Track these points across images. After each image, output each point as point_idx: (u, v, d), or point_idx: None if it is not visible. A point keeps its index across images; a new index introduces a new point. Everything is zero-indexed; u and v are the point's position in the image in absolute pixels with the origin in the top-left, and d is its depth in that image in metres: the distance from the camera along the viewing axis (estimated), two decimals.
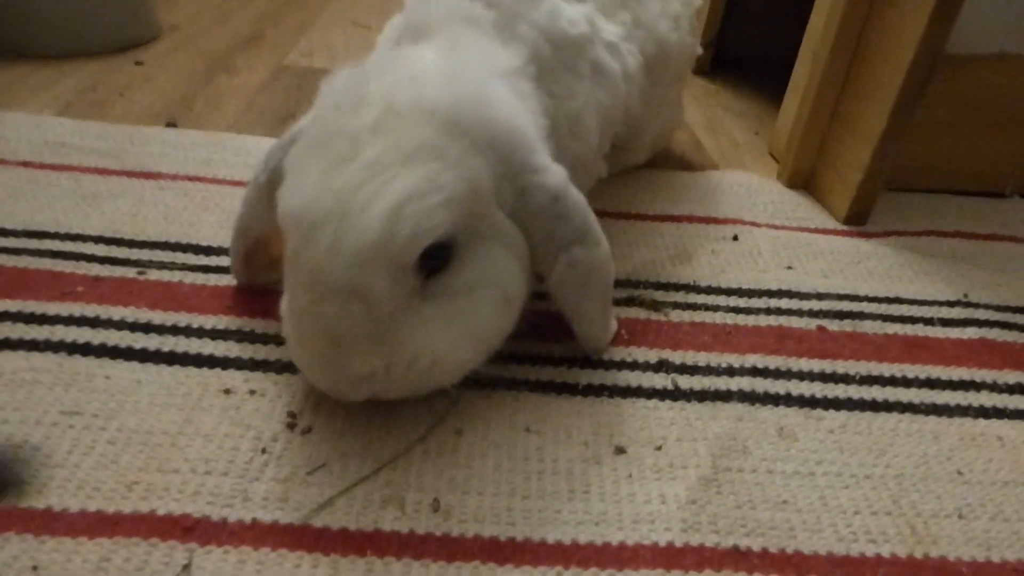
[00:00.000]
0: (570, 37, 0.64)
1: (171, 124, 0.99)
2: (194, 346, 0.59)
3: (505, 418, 0.55)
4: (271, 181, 0.57)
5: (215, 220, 0.76)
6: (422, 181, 0.46)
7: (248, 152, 0.92)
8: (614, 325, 0.64)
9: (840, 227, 0.88)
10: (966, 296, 0.76)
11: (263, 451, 0.50)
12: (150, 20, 1.34)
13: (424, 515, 0.47)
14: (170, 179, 0.84)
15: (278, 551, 0.44)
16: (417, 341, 0.48)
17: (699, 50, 0.94)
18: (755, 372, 0.62)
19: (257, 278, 0.66)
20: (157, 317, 0.61)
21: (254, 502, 0.46)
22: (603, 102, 0.68)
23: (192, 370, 0.57)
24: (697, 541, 0.47)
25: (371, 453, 0.51)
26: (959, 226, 0.90)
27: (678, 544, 0.47)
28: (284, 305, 0.52)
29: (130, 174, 0.84)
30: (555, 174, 0.54)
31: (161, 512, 0.45)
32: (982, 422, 0.59)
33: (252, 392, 0.55)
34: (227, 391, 0.55)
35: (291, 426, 0.53)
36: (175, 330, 0.60)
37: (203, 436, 0.51)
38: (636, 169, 0.96)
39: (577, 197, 0.55)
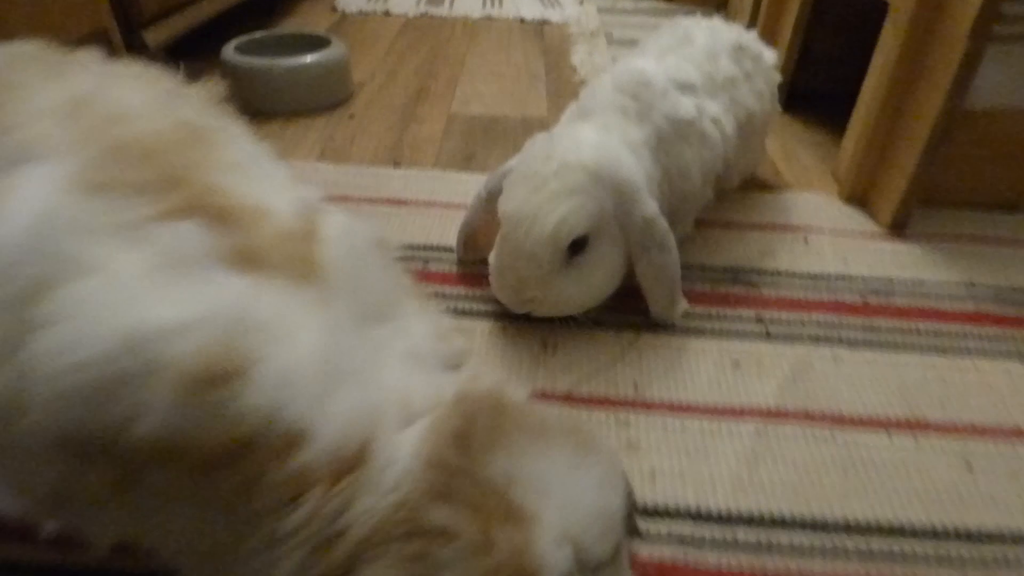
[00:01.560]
0: (684, 119, 1.01)
1: (397, 164, 1.41)
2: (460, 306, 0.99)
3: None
4: (489, 195, 0.98)
5: (452, 230, 1.17)
6: (575, 204, 0.86)
7: (454, 182, 1.33)
8: (684, 305, 0.99)
9: (884, 232, 1.22)
10: (971, 281, 1.09)
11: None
12: (348, 82, 1.78)
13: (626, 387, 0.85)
14: (413, 205, 1.25)
15: None
16: (559, 288, 0.89)
17: (779, 108, 1.29)
18: (819, 324, 0.98)
19: (470, 256, 1.06)
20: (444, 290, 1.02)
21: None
22: (706, 158, 1.05)
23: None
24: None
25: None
26: (973, 231, 1.22)
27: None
28: (492, 260, 0.94)
29: (388, 201, 1.26)
30: (650, 207, 0.89)
31: None
32: (967, 359, 0.94)
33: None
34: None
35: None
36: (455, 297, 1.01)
37: None
38: (730, 191, 1.32)
39: (660, 222, 0.90)
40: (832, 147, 1.52)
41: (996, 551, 0.69)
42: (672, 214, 1.01)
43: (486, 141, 1.55)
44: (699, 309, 1.00)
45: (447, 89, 1.86)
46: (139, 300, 0.41)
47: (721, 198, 1.30)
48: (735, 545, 0.69)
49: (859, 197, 1.31)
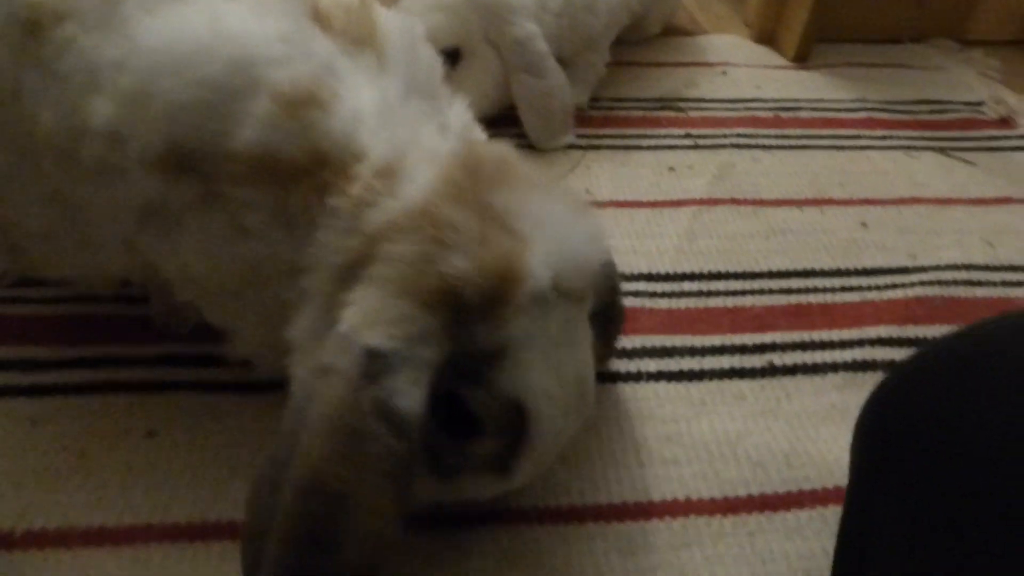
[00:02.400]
0: None
1: None
2: None
3: None
4: None
5: None
6: (439, 19, 0.89)
7: None
8: (567, 137, 1.04)
9: (790, 64, 1.36)
10: (863, 97, 1.25)
11: None
12: None
13: None
14: None
15: None
16: None
17: None
18: (738, 136, 1.12)
19: None
20: None
21: None
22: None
23: None
24: None
25: None
26: (864, 60, 1.38)
27: None
28: None
29: None
30: (524, 29, 0.94)
31: None
32: (861, 152, 1.10)
33: None
34: None
35: None
36: None
37: None
38: (653, 38, 1.43)
39: (534, 45, 0.95)
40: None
41: (888, 279, 0.86)
42: (573, 47, 1.07)
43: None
44: (635, 131, 1.12)
45: None
46: (246, 31, 0.49)
47: (646, 42, 1.40)
48: (682, 294, 0.83)
49: (767, 37, 1.44)
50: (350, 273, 0.47)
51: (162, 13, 0.50)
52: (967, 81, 1.30)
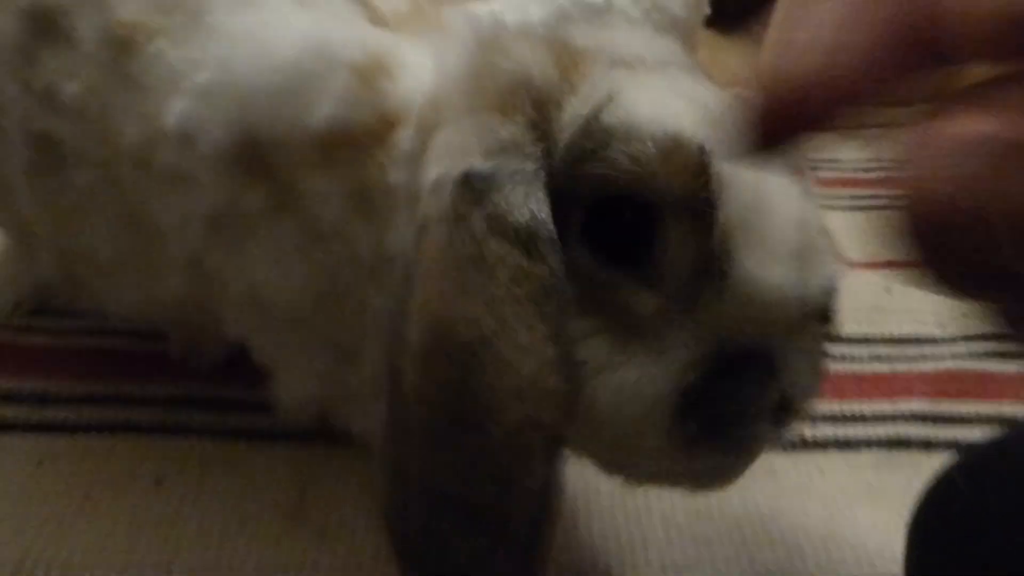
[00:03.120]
0: None
1: None
2: None
3: None
4: None
5: None
6: None
7: None
8: None
9: None
10: (879, 158, 1.24)
11: None
12: None
13: None
14: None
15: None
16: None
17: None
18: None
19: None
20: None
21: None
22: None
23: None
24: None
25: None
26: (877, 120, 1.38)
27: None
28: None
29: None
30: None
31: None
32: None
33: None
34: None
35: None
36: None
37: None
38: None
39: None
40: (754, 55, 1.65)
41: (917, 350, 0.84)
42: None
43: None
44: None
45: None
46: (320, 23, 0.49)
47: None
48: None
49: None
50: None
51: (242, 15, 0.50)
52: None
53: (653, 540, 0.61)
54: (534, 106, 0.37)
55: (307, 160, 0.47)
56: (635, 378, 0.35)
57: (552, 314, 0.34)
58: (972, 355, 0.84)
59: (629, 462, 0.40)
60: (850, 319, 0.88)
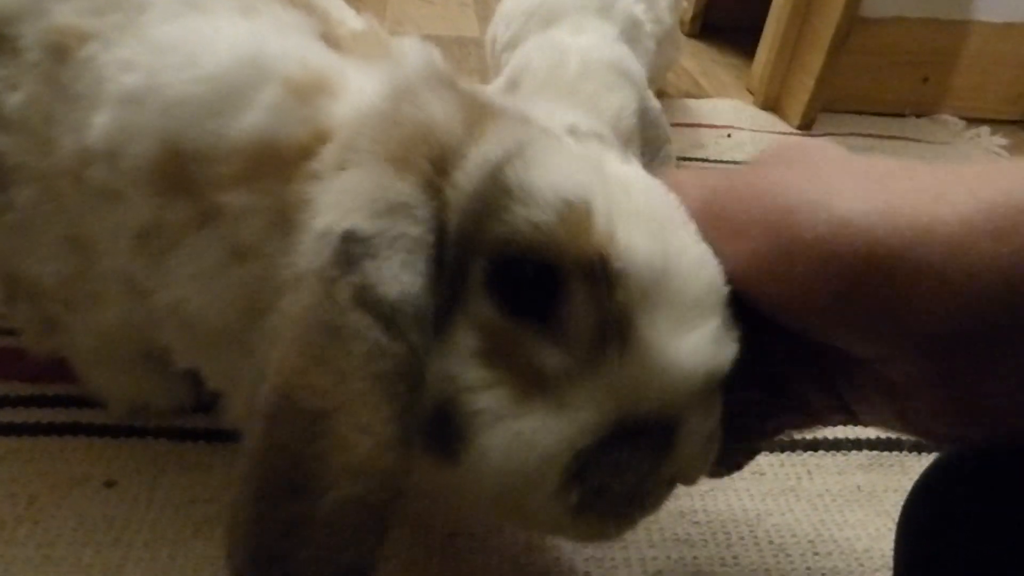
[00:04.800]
0: (638, 19, 1.06)
1: None
2: None
3: None
4: None
5: None
6: (624, 96, 0.84)
7: None
8: None
9: (794, 131, 1.35)
10: None
11: None
12: None
13: None
14: None
15: None
16: None
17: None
18: None
19: None
20: None
21: None
22: (641, 59, 1.12)
23: None
24: None
25: None
26: (869, 131, 1.38)
27: None
28: None
29: None
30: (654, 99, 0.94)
31: None
32: None
33: None
34: None
35: None
36: None
37: None
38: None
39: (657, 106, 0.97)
40: (744, 68, 1.65)
41: None
42: None
43: None
44: None
45: (377, 11, 1.86)
46: (257, 35, 0.47)
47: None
48: None
49: (771, 103, 1.44)
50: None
51: (179, 22, 0.49)
52: (974, 157, 1.30)
53: (633, 541, 0.58)
54: (432, 161, 0.36)
55: (230, 175, 0.45)
56: (530, 432, 0.35)
57: (403, 393, 0.33)
58: None
59: (514, 514, 0.39)
60: None
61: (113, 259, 0.52)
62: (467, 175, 0.36)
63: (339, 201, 0.36)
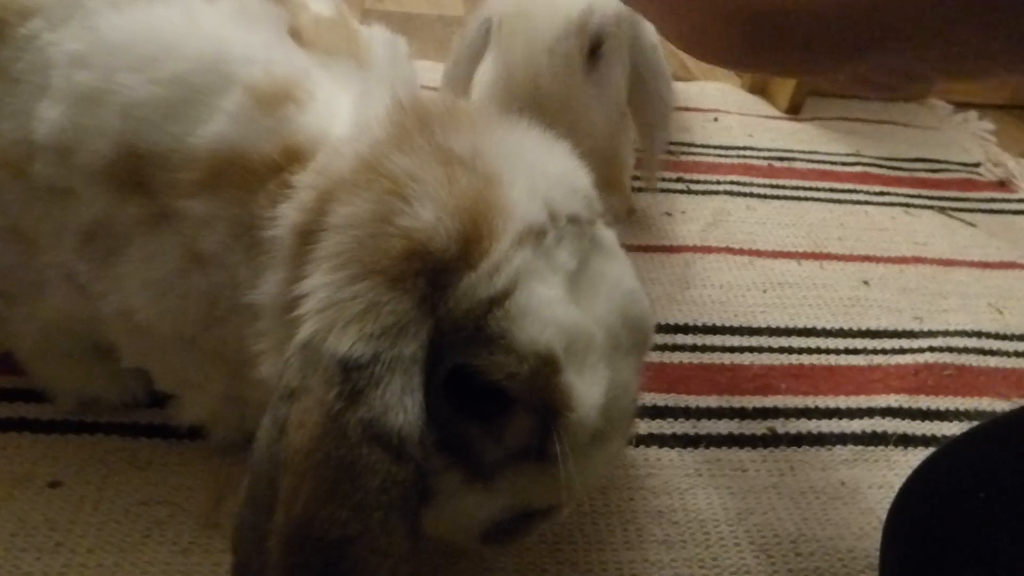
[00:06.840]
0: None
1: None
2: None
3: None
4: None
5: None
6: None
7: None
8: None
9: (782, 115, 1.32)
10: (858, 152, 1.21)
11: None
12: None
13: None
14: None
15: None
16: (579, 95, 0.73)
17: None
18: (732, 183, 1.06)
19: None
20: None
21: None
22: None
23: None
24: None
25: None
26: (857, 115, 1.35)
27: None
28: (484, 77, 0.78)
29: None
30: (655, 34, 0.83)
31: None
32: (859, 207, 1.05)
33: None
34: None
35: None
36: None
37: None
38: None
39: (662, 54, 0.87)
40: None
41: (894, 343, 0.80)
42: None
43: (404, 37, 1.53)
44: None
45: None
46: (223, 32, 0.46)
47: None
48: (675, 348, 0.76)
49: (759, 87, 1.40)
50: (304, 252, 0.40)
51: (130, 10, 0.47)
52: (962, 142, 1.27)
53: (610, 542, 0.55)
54: (429, 280, 0.37)
55: (191, 181, 0.44)
56: (468, 509, 0.41)
57: (412, 509, 0.37)
58: (951, 349, 0.79)
59: (450, 541, 0.46)
60: (826, 311, 0.85)
61: (55, 255, 0.49)
62: (458, 299, 0.37)
63: (328, 306, 0.36)
